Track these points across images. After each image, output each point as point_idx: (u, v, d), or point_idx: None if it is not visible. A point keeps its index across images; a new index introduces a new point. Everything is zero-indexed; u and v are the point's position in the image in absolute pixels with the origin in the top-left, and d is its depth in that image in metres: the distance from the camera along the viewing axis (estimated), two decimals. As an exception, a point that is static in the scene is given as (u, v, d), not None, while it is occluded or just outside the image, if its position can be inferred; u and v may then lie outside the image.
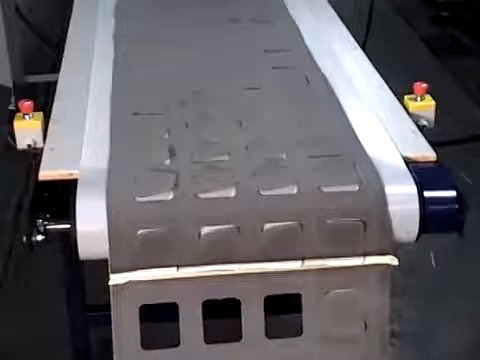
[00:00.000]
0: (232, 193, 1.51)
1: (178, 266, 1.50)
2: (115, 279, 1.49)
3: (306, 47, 2.15)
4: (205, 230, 1.49)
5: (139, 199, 1.50)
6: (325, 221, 1.51)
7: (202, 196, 1.51)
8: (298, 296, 1.56)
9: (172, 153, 1.62)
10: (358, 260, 1.53)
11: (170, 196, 1.51)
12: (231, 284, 1.53)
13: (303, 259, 1.52)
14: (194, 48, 2.16)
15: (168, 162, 1.59)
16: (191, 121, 1.76)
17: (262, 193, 1.52)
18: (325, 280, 1.54)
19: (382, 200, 1.53)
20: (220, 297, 1.54)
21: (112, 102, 1.85)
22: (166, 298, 1.52)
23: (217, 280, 1.51)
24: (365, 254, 1.53)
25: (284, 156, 1.63)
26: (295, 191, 1.53)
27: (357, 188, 1.54)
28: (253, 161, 1.61)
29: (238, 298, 1.53)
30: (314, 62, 2.06)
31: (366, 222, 1.51)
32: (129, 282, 1.49)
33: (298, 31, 2.26)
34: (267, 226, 1.50)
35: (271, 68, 2.03)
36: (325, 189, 1.53)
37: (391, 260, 1.54)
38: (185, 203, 1.50)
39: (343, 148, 1.66)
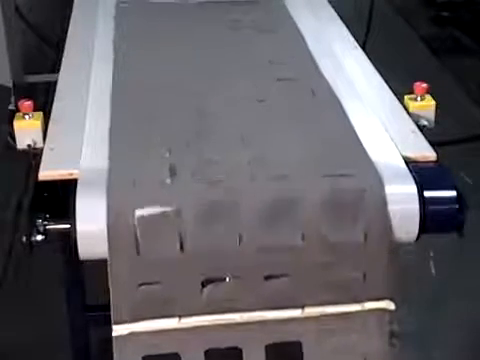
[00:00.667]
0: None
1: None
2: None
3: (311, 57, 2.09)
4: None
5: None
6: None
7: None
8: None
9: (173, 172, 1.58)
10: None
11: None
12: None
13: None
14: (195, 57, 2.10)
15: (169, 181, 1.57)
16: (192, 137, 1.70)
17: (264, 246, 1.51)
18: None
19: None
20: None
21: (112, 102, 1.85)
22: None
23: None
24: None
25: (289, 175, 1.57)
26: (299, 243, 1.52)
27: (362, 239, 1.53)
28: (256, 185, 1.56)
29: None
30: (319, 73, 2.00)
31: None
32: None
33: (302, 39, 2.20)
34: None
35: (276, 80, 1.97)
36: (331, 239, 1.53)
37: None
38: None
39: (354, 168, 1.60)
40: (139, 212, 1.48)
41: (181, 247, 1.48)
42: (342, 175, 1.56)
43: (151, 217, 1.48)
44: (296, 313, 1.53)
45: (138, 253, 1.49)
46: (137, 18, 2.36)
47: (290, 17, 2.37)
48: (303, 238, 1.51)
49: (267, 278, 1.52)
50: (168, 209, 1.49)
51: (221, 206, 1.50)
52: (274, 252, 1.51)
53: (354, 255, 1.53)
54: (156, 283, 1.50)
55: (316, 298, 1.53)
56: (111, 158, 1.63)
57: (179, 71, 2.01)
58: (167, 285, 1.51)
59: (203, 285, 1.51)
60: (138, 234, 1.48)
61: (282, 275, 1.52)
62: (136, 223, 1.48)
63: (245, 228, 1.50)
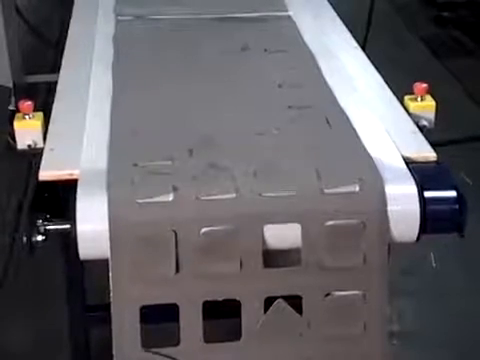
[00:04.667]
0: None
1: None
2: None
3: (324, 80, 1.97)
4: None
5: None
6: None
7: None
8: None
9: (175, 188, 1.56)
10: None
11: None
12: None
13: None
14: (201, 82, 1.98)
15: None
16: (199, 172, 1.60)
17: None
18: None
19: None
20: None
21: (112, 103, 1.85)
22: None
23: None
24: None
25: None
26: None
27: None
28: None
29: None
30: (334, 99, 1.88)
31: None
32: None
33: (313, 58, 2.10)
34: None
35: (287, 107, 1.84)
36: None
37: None
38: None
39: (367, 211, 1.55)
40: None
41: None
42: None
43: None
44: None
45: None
46: (138, 48, 2.18)
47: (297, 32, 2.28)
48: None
49: None
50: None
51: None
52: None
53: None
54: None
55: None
56: (111, 158, 1.63)
57: (182, 102, 1.89)
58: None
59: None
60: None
61: None
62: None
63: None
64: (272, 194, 1.53)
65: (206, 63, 2.09)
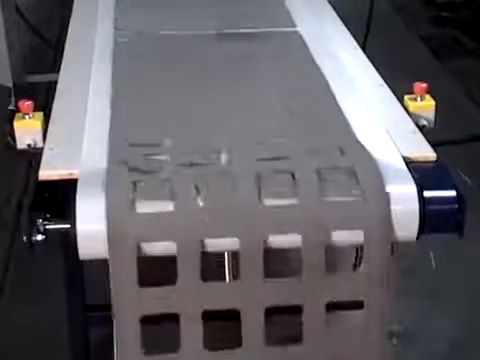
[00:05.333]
0: None
1: None
2: None
3: (336, 103, 1.86)
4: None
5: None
6: None
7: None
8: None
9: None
10: None
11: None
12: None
13: None
14: (200, 98, 1.89)
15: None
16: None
17: None
18: None
19: None
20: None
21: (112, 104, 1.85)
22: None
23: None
24: None
25: None
26: None
27: None
28: None
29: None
30: (347, 126, 1.76)
31: None
32: None
33: (320, 72, 2.01)
34: None
35: (296, 133, 1.73)
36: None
37: None
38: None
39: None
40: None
41: None
42: None
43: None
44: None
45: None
46: (138, 58, 2.13)
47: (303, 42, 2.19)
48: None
49: None
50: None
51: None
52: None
53: None
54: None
55: None
56: (111, 158, 1.63)
57: (182, 118, 1.81)
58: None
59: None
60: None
61: None
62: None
63: None
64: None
65: (208, 79, 2.00)
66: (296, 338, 1.56)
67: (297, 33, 2.25)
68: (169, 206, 1.49)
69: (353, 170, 1.57)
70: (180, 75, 2.02)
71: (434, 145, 1.74)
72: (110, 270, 1.48)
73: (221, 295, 1.52)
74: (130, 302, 1.50)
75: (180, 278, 1.49)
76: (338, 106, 1.86)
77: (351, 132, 1.73)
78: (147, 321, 1.51)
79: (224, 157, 1.62)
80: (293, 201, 1.51)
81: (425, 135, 1.79)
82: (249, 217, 1.50)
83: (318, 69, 2.04)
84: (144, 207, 1.49)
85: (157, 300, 1.50)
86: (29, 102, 1.78)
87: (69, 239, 1.50)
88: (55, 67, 2.24)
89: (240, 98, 1.91)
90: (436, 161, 1.70)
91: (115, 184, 1.53)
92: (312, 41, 2.20)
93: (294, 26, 2.31)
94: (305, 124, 1.78)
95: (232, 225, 1.49)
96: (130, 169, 1.57)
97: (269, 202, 1.51)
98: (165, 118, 1.82)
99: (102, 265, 1.50)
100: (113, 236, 1.47)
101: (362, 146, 1.67)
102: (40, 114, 1.79)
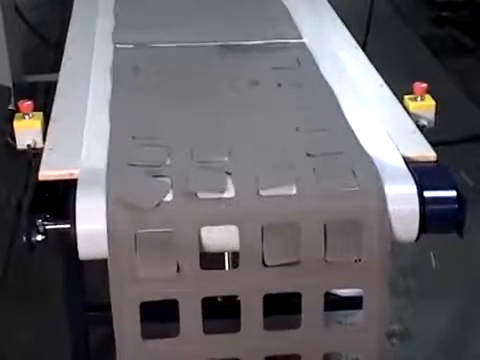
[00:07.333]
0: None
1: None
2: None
3: (347, 123, 1.77)
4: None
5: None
6: None
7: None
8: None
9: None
10: None
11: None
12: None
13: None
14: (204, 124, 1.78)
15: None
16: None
17: None
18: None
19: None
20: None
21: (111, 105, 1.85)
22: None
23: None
24: None
25: None
26: None
27: None
28: None
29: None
30: (362, 149, 1.68)
31: None
32: None
33: (331, 93, 1.91)
34: None
35: (305, 155, 1.64)
36: None
37: None
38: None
39: None
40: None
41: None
42: None
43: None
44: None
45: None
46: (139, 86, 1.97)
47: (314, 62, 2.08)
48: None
49: None
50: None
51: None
52: None
53: None
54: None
55: None
56: (110, 158, 1.63)
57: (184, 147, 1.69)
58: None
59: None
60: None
61: None
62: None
63: None
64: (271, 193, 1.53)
65: (212, 99, 1.90)
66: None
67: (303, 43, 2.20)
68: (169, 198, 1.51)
69: (351, 167, 1.59)
70: (180, 88, 1.94)
71: (434, 145, 1.74)
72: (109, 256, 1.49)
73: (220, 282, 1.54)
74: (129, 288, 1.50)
75: (180, 266, 1.50)
76: (339, 105, 1.86)
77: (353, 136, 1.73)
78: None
79: (226, 159, 1.63)
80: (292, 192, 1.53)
81: (425, 135, 1.79)
82: (248, 206, 1.51)
83: (318, 69, 2.04)
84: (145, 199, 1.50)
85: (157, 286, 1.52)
86: (29, 102, 1.78)
87: (69, 239, 1.50)
88: (55, 67, 2.24)
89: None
90: (436, 161, 1.70)
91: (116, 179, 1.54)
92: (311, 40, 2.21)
93: (300, 38, 2.22)
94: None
95: (230, 214, 1.50)
96: (130, 165, 1.58)
97: (267, 192, 1.52)
98: (163, 114, 1.81)
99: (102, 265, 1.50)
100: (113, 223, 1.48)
101: (362, 147, 1.68)
102: (40, 114, 1.79)
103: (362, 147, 1.68)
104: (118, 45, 2.16)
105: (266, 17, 2.38)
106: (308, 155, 1.63)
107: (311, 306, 1.56)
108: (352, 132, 1.73)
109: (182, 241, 1.49)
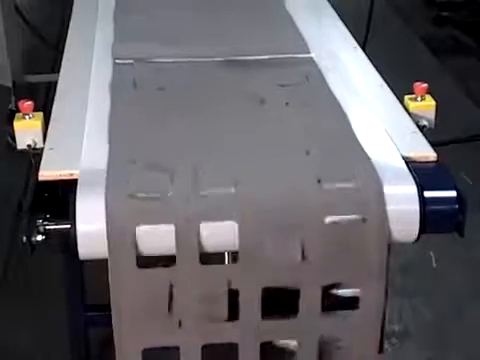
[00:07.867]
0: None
1: None
2: None
3: (363, 151, 1.67)
4: None
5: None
6: None
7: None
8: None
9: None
10: None
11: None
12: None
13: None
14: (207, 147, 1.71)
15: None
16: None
17: None
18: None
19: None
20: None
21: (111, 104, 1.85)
22: None
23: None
24: None
25: None
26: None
27: None
28: None
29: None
30: (361, 149, 1.67)
31: None
32: None
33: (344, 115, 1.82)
34: None
35: (316, 181, 1.57)
36: None
37: None
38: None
39: None
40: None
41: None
42: None
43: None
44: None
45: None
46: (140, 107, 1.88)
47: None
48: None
49: None
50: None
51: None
52: None
53: None
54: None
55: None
56: (111, 158, 1.63)
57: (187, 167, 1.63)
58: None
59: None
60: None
61: None
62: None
63: None
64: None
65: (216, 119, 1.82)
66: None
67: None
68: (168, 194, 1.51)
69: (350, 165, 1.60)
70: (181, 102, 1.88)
71: (434, 145, 1.74)
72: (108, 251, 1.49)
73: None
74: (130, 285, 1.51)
75: (179, 261, 1.50)
76: (339, 105, 1.86)
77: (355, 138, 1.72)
78: None
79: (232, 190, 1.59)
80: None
81: (425, 135, 1.79)
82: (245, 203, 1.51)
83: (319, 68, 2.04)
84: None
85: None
86: (29, 102, 1.78)
87: (69, 239, 1.50)
88: (55, 67, 2.24)
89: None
90: (436, 161, 1.70)
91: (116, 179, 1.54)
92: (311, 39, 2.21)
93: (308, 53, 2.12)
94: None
95: (230, 211, 1.50)
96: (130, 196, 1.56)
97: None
98: (164, 137, 1.76)
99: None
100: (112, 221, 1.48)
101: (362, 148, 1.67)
102: (40, 114, 1.79)
103: (362, 147, 1.68)
104: (118, 60, 2.06)
105: (271, 29, 2.29)
106: (319, 181, 1.56)
107: (310, 304, 1.56)
108: (366, 155, 1.65)
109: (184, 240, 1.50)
